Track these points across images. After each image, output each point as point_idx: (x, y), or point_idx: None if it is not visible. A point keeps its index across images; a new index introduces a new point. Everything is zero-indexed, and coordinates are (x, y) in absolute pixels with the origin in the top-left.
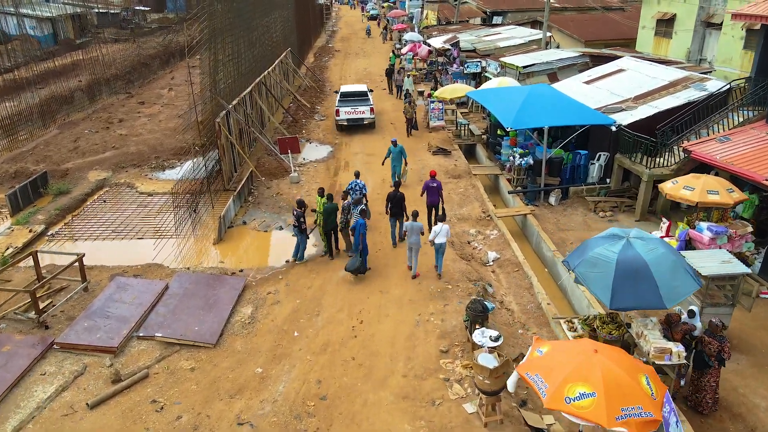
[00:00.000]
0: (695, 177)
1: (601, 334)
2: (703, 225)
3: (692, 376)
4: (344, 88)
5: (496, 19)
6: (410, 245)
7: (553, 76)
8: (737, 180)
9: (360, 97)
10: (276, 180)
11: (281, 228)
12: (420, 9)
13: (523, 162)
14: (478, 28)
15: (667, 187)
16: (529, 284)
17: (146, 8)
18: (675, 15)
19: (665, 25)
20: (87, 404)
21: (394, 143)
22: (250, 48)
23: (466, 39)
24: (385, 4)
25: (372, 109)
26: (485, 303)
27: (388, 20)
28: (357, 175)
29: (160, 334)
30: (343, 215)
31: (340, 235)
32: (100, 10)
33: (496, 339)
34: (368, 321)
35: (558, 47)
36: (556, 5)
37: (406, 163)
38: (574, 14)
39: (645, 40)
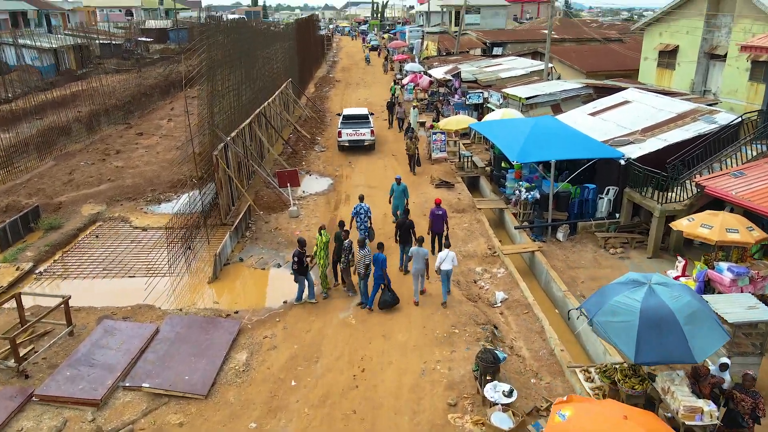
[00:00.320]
0: (712, 214)
1: (623, 389)
2: (723, 265)
3: None
4: (347, 111)
5: (496, 50)
6: (414, 272)
7: (557, 107)
8: (752, 216)
9: (361, 120)
10: (275, 214)
11: (279, 265)
12: (420, 40)
13: (529, 196)
14: (479, 58)
15: (683, 225)
16: (540, 327)
17: (149, 39)
18: (678, 46)
19: (668, 56)
20: None
21: (398, 181)
22: (250, 79)
23: (467, 70)
24: (386, 35)
25: (372, 132)
26: (496, 352)
27: (388, 51)
28: (361, 198)
29: (147, 385)
30: (344, 255)
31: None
32: (103, 41)
33: (509, 394)
34: (370, 369)
35: (559, 78)
36: (556, 36)
37: (407, 203)
38: (574, 45)
39: (647, 71)
